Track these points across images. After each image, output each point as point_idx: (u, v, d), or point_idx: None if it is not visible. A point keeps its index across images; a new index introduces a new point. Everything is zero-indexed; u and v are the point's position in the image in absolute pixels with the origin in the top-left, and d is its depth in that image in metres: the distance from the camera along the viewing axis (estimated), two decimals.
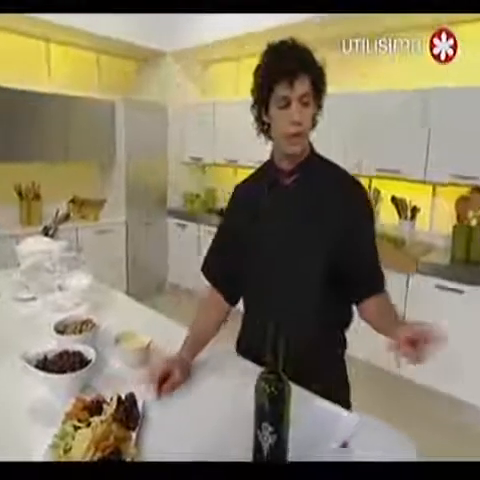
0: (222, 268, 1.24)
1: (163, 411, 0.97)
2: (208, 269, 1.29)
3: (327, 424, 0.92)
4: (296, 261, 1.10)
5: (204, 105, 4.46)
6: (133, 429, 0.87)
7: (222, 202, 4.59)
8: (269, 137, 1.13)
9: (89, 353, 1.08)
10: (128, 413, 0.89)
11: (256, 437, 0.71)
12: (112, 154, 4.09)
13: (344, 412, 0.97)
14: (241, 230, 1.18)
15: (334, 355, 1.21)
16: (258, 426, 0.70)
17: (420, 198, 3.22)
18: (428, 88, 2.84)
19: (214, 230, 4.13)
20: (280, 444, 0.70)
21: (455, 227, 2.82)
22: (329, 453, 0.83)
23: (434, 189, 3.24)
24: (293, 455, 0.74)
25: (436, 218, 3.23)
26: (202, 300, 1.29)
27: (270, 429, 0.69)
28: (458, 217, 2.83)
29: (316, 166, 1.12)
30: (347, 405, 1.17)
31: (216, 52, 4.30)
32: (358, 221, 1.10)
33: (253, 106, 1.10)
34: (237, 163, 4.19)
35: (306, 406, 0.97)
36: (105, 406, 0.91)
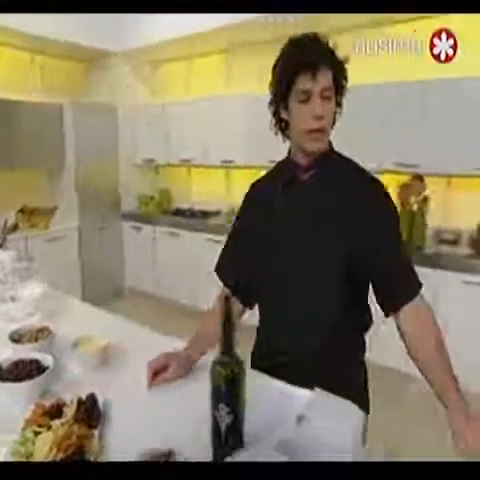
0: (235, 269, 1.20)
1: (126, 408, 0.99)
2: (221, 269, 1.25)
3: (284, 402, 0.97)
4: (312, 261, 1.05)
5: (155, 106, 4.44)
6: (95, 427, 0.88)
7: (177, 202, 4.59)
8: (286, 136, 1.09)
9: (46, 360, 1.08)
10: (89, 413, 0.90)
11: (214, 418, 0.75)
12: (61, 159, 3.99)
13: (298, 389, 1.02)
14: (255, 229, 1.13)
15: (353, 358, 1.17)
16: (215, 407, 0.74)
17: None
18: (366, 83, 2.98)
19: (170, 231, 4.14)
20: (237, 423, 0.74)
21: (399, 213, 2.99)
22: (288, 428, 0.89)
23: None
24: (257, 433, 0.79)
25: None
26: (216, 299, 1.23)
27: (227, 409, 0.73)
28: (402, 203, 3.00)
29: (335, 162, 1.08)
30: (366, 410, 1.12)
31: (165, 52, 4.29)
32: (378, 220, 1.02)
33: (271, 102, 1.06)
34: (190, 163, 4.20)
35: (264, 389, 1.02)
36: (65, 409, 0.92)
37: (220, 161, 3.87)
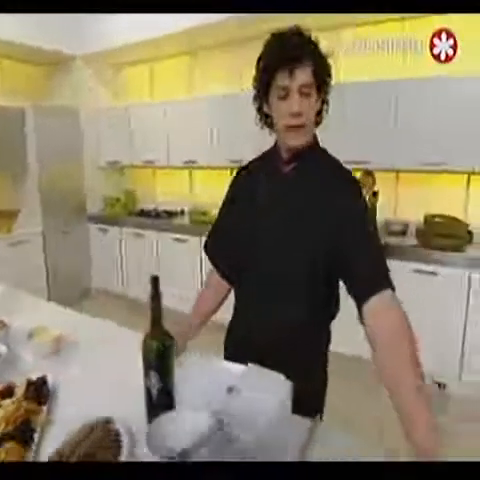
0: (220, 248, 1.28)
1: (73, 387, 1.08)
2: (208, 248, 1.32)
3: (216, 376, 1.08)
4: (289, 248, 1.08)
5: (118, 108, 4.49)
6: (44, 404, 0.97)
7: (142, 203, 4.65)
8: (272, 129, 1.10)
9: (1, 349, 1.15)
10: (38, 392, 0.99)
11: (146, 385, 0.85)
12: (23, 163, 3.97)
13: (234, 365, 1.13)
14: (239, 213, 1.19)
15: (319, 345, 1.21)
16: (147, 375, 0.85)
17: None
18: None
19: (136, 231, 4.22)
20: (166, 389, 0.85)
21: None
22: (219, 399, 1.00)
23: None
24: (194, 403, 0.89)
25: None
26: (207, 278, 1.35)
27: (157, 377, 0.84)
28: None
29: (317, 157, 1.10)
30: (321, 401, 1.21)
31: (127, 55, 4.34)
32: (352, 215, 1.03)
33: (255, 97, 1.08)
34: (154, 164, 4.27)
35: (201, 364, 1.12)
36: (16, 389, 1.00)
37: (182, 162, 3.97)
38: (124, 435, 0.83)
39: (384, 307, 0.95)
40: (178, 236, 3.77)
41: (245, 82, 3.56)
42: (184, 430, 0.77)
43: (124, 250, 4.19)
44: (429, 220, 2.95)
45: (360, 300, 0.97)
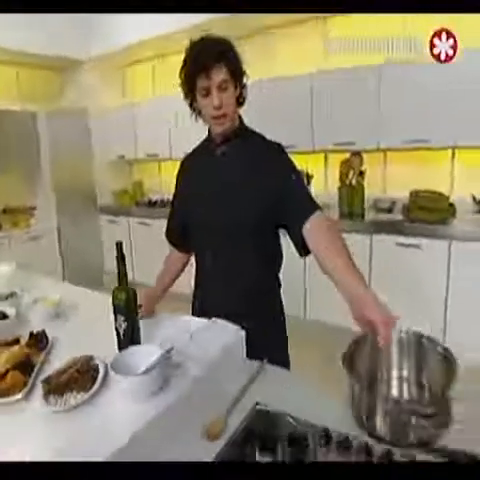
0: (174, 228, 1.52)
1: (69, 339, 1.32)
2: (168, 233, 1.57)
3: (182, 326, 1.31)
4: (230, 213, 1.29)
5: (123, 106, 4.75)
6: (43, 349, 1.21)
7: (149, 194, 4.91)
8: (204, 120, 1.31)
9: (11, 312, 1.42)
10: (39, 340, 1.24)
11: (116, 327, 1.09)
12: (37, 162, 4.28)
13: (199, 319, 1.35)
14: (185, 194, 1.43)
15: (274, 292, 1.44)
16: (116, 319, 1.08)
17: (315, 166, 3.72)
18: (303, 73, 3.30)
19: (143, 221, 4.55)
20: (131, 328, 1.08)
21: (339, 187, 3.32)
22: (182, 343, 1.22)
23: (326, 157, 3.75)
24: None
25: (330, 181, 3.76)
26: (168, 255, 1.61)
27: (123, 318, 1.07)
28: (341, 177, 3.33)
29: (243, 136, 1.31)
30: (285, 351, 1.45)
31: (131, 55, 4.59)
32: (278, 168, 1.27)
33: (185, 96, 1.29)
34: (158, 157, 4.51)
35: (172, 318, 1.36)
36: (21, 340, 1.25)
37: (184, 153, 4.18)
38: (101, 365, 1.07)
39: (318, 222, 1.18)
40: None
41: None
42: (140, 357, 1.00)
43: (133, 238, 4.47)
44: (414, 195, 3.09)
45: (299, 227, 1.19)
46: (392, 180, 3.50)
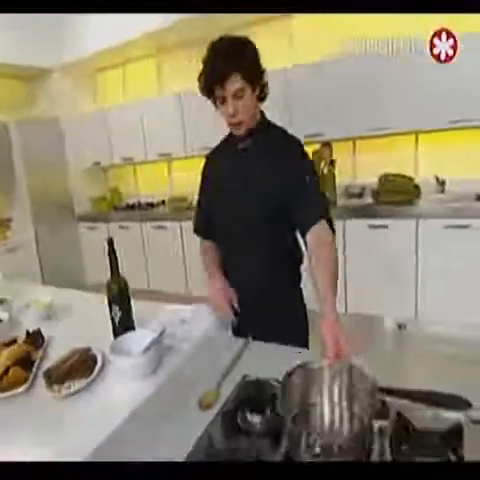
0: (202, 224, 1.54)
1: (64, 337, 1.39)
2: (197, 229, 1.58)
3: (175, 313, 1.40)
4: (252, 205, 1.32)
5: (95, 113, 4.75)
6: (40, 347, 1.28)
7: (127, 198, 4.95)
8: None
9: (4, 316, 1.48)
10: (35, 338, 1.31)
11: (111, 317, 1.17)
12: (11, 174, 4.24)
13: (188, 306, 1.45)
14: (210, 190, 1.47)
15: (292, 289, 1.46)
16: (111, 309, 1.17)
17: None
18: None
19: (122, 224, 4.57)
20: (125, 317, 1.17)
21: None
22: (176, 326, 1.31)
23: None
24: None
25: None
26: (200, 250, 1.56)
27: (117, 308, 1.15)
28: None
29: (265, 131, 1.34)
30: (305, 344, 1.42)
31: (99, 61, 4.60)
32: (299, 168, 1.28)
33: (207, 97, 1.28)
34: (133, 161, 4.56)
35: (164, 307, 1.45)
36: (18, 340, 1.32)
37: (158, 155, 4.26)
38: (98, 354, 1.15)
39: (316, 236, 1.23)
40: (160, 224, 4.10)
41: None
42: (135, 341, 1.09)
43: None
44: (382, 180, 3.25)
45: (303, 233, 1.26)
46: (362, 167, 3.66)
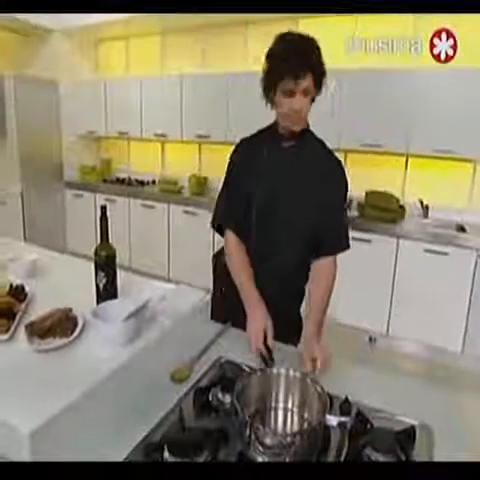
0: (234, 210, 1.43)
1: (46, 294, 1.40)
2: (221, 217, 1.48)
3: (156, 290, 1.43)
4: (286, 212, 1.36)
5: (95, 81, 4.68)
6: (23, 301, 1.30)
7: (117, 172, 4.91)
8: (276, 111, 1.31)
9: None
10: (18, 292, 1.32)
11: (96, 283, 1.20)
12: (2, 127, 4.15)
13: (170, 284, 1.49)
14: (248, 178, 1.39)
15: (299, 298, 1.56)
16: (96, 275, 1.20)
17: None
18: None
19: (109, 197, 4.58)
20: (109, 283, 1.20)
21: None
22: (157, 302, 1.34)
23: None
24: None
25: None
26: (228, 247, 1.46)
27: (102, 274, 1.18)
28: None
29: (310, 138, 1.38)
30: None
31: (105, 31, 4.53)
32: (336, 190, 1.37)
33: (262, 80, 1.26)
34: (128, 135, 4.53)
35: (146, 284, 1.48)
36: (1, 291, 1.33)
37: (154, 134, 4.25)
38: (79, 316, 1.18)
39: (323, 269, 1.40)
40: (148, 203, 4.10)
41: (209, 65, 3.88)
42: (118, 309, 1.12)
43: (98, 215, 4.46)
44: (368, 195, 3.36)
45: (322, 253, 1.40)
46: (350, 180, 3.74)
